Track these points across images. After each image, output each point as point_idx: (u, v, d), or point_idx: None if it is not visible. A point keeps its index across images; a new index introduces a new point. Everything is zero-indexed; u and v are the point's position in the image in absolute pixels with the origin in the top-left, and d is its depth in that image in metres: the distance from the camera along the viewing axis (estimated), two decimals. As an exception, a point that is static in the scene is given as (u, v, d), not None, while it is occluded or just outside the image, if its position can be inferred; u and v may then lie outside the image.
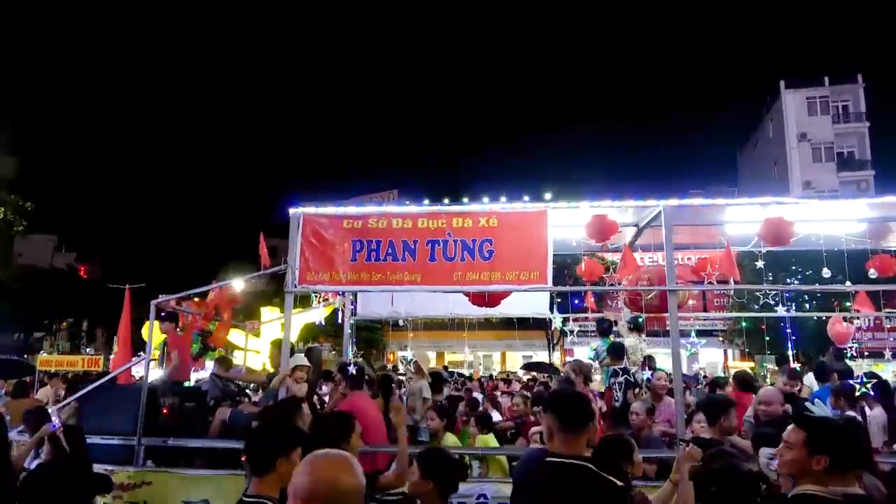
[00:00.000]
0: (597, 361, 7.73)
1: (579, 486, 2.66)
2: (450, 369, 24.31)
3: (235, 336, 9.94)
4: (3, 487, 3.95)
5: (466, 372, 25.20)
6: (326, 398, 8.72)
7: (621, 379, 6.50)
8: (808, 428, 2.72)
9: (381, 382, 7.18)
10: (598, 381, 7.83)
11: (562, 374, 7.86)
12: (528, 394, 7.81)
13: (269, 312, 10.76)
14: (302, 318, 10.27)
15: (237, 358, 9.94)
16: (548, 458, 2.79)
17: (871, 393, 5.45)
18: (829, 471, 2.62)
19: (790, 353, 7.05)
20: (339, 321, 9.53)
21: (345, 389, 5.99)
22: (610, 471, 2.79)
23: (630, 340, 7.47)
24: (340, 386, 6.27)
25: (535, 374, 19.54)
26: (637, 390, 6.47)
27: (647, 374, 6.62)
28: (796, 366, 6.86)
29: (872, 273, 6.53)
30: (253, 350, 10.44)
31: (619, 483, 2.68)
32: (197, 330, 7.96)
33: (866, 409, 5.40)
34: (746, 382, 6.89)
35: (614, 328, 8.30)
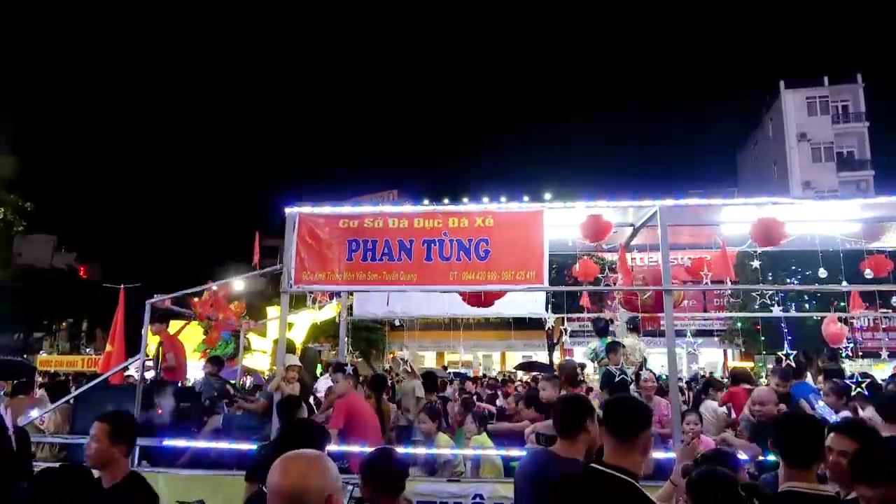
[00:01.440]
0: (595, 361, 7.72)
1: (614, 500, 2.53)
2: (450, 370, 24.32)
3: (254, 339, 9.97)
4: (8, 484, 3.94)
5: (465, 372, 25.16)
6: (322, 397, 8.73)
7: (618, 378, 6.50)
8: (860, 436, 2.86)
9: (372, 383, 7.21)
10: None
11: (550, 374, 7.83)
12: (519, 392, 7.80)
13: (275, 311, 10.73)
14: (311, 318, 10.27)
15: (248, 359, 9.95)
16: (592, 464, 2.71)
17: (867, 393, 5.48)
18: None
19: (783, 353, 7.03)
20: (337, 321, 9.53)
21: (344, 389, 6.00)
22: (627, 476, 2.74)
23: (629, 340, 7.47)
24: (336, 386, 6.28)
25: (535, 373, 19.54)
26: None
27: (643, 373, 6.64)
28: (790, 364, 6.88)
29: (868, 273, 6.52)
30: (260, 350, 10.46)
31: None
32: (230, 331, 7.94)
33: (858, 409, 5.41)
34: (741, 377, 6.90)
35: (610, 328, 8.30)
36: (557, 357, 27.44)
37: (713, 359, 30.01)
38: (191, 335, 8.78)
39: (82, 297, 32.96)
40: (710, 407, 6.69)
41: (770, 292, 7.98)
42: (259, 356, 10.07)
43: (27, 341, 32.14)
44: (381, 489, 3.08)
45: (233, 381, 8.97)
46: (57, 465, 3.48)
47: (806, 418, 3.04)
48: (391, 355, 31.03)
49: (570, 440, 3.10)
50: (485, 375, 21.37)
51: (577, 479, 2.69)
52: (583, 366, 9.25)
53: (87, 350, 34.94)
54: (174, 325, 8.34)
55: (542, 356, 28.13)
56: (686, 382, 12.43)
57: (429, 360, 34.30)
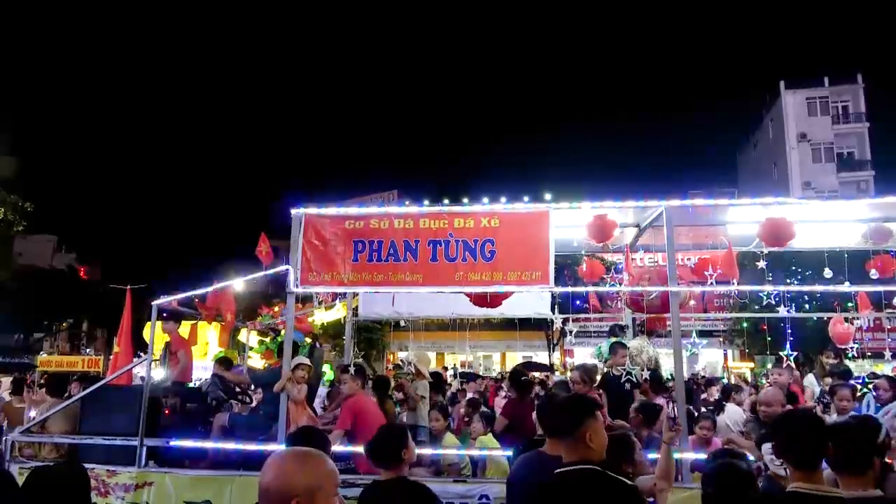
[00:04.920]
0: (601, 361, 7.73)
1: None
2: (460, 370, 24.31)
3: (254, 339, 10.00)
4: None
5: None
6: (326, 400, 8.74)
7: (623, 380, 6.53)
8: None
9: (375, 383, 7.22)
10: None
11: (560, 378, 7.85)
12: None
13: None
14: (320, 318, 10.28)
15: (253, 359, 9.97)
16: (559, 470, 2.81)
17: (875, 393, 5.50)
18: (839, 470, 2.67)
19: (786, 353, 7.08)
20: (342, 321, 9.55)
21: (352, 389, 6.01)
22: (615, 472, 2.78)
23: (636, 342, 7.48)
24: (343, 386, 6.28)
25: (534, 373, 19.50)
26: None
27: (646, 374, 6.66)
28: (791, 365, 6.95)
29: (874, 273, 6.53)
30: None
31: None
32: (304, 331, 7.95)
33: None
34: None
35: (625, 330, 8.34)
36: (558, 357, 27.46)
37: (713, 359, 30.03)
38: (203, 336, 8.82)
39: (82, 297, 32.95)
40: (733, 412, 6.71)
41: (775, 293, 8.00)
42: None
43: (27, 342, 32.11)
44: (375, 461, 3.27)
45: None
46: (51, 464, 3.48)
47: (806, 417, 3.00)
48: (391, 357, 31.08)
49: (554, 441, 3.12)
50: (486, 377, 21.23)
51: (552, 481, 2.75)
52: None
53: (87, 350, 34.93)
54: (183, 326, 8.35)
55: (542, 356, 28.16)
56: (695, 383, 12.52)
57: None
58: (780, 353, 7.81)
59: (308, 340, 7.82)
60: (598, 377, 6.83)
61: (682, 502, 4.41)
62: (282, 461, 1.75)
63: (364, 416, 5.81)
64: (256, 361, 9.68)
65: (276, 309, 8.76)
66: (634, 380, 6.62)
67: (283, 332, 7.79)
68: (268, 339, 8.43)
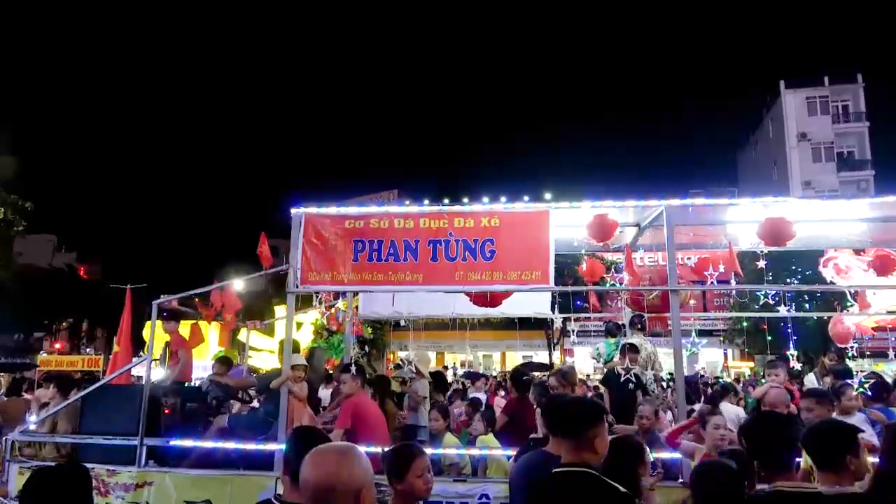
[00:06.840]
0: (600, 361, 7.73)
1: None
2: (462, 370, 24.26)
3: (254, 338, 10.00)
4: None
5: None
6: (327, 401, 8.74)
7: (623, 379, 6.51)
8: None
9: (375, 384, 7.22)
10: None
11: (542, 380, 7.84)
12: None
13: (283, 311, 10.72)
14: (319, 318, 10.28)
15: (253, 359, 9.97)
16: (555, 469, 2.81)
17: (870, 393, 5.50)
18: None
19: (790, 352, 7.08)
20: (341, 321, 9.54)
21: (352, 389, 6.01)
22: (619, 476, 2.78)
23: (635, 340, 7.49)
24: (343, 386, 6.29)
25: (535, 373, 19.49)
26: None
27: (649, 374, 6.65)
28: (796, 365, 6.92)
29: (872, 273, 6.53)
30: (268, 350, 10.46)
31: None
32: (356, 334, 7.92)
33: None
34: None
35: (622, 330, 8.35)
36: (558, 357, 27.45)
37: (713, 359, 30.03)
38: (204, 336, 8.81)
39: (82, 297, 32.96)
40: (729, 411, 6.70)
41: (774, 292, 8.01)
42: (266, 355, 10.11)
43: (27, 341, 32.11)
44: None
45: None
46: (52, 464, 3.48)
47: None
48: (392, 356, 31.05)
49: (558, 440, 3.14)
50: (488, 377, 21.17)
51: (546, 480, 2.77)
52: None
53: (87, 350, 34.91)
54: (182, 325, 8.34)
55: (542, 356, 28.14)
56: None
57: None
58: (787, 353, 7.81)
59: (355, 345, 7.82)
60: (601, 377, 6.84)
61: (680, 502, 4.41)
62: (336, 457, 1.74)
63: (364, 416, 5.81)
64: (271, 363, 9.72)
65: (332, 311, 8.73)
66: (635, 380, 6.61)
67: (338, 332, 7.78)
68: (322, 340, 8.46)
